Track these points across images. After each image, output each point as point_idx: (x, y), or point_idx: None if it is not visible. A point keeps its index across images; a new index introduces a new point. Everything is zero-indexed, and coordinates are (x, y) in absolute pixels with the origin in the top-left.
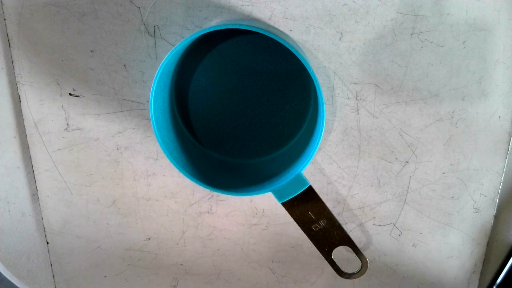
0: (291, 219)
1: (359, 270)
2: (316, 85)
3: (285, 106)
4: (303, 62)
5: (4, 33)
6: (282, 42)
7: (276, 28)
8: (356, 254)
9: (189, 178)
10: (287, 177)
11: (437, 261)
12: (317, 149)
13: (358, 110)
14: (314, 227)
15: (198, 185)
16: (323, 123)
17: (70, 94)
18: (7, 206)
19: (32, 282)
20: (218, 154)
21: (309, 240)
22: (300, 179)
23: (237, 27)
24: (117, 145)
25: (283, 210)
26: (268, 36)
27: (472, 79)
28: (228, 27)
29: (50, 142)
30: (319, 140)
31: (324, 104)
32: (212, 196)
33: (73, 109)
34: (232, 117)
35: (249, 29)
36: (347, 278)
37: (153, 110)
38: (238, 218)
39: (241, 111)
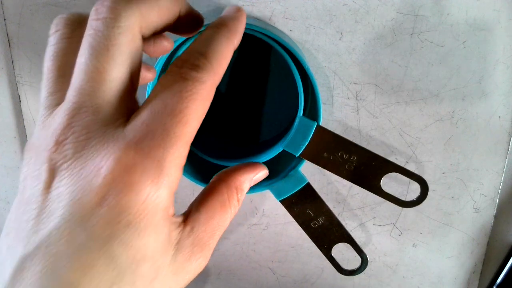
0: (291, 219)
1: (359, 267)
2: (313, 85)
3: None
4: (300, 61)
5: (4, 33)
6: (281, 41)
7: (276, 28)
8: (356, 250)
9: (189, 178)
10: (285, 174)
11: (437, 261)
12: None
13: (358, 110)
14: (313, 224)
15: (198, 185)
16: (319, 121)
17: None
18: (7, 206)
19: None
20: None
21: (309, 240)
22: (298, 176)
23: None
24: None
25: (283, 210)
26: (267, 35)
27: (472, 79)
28: None
29: None
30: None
31: (321, 103)
32: None
33: None
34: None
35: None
36: (347, 275)
37: None
38: (238, 218)
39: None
